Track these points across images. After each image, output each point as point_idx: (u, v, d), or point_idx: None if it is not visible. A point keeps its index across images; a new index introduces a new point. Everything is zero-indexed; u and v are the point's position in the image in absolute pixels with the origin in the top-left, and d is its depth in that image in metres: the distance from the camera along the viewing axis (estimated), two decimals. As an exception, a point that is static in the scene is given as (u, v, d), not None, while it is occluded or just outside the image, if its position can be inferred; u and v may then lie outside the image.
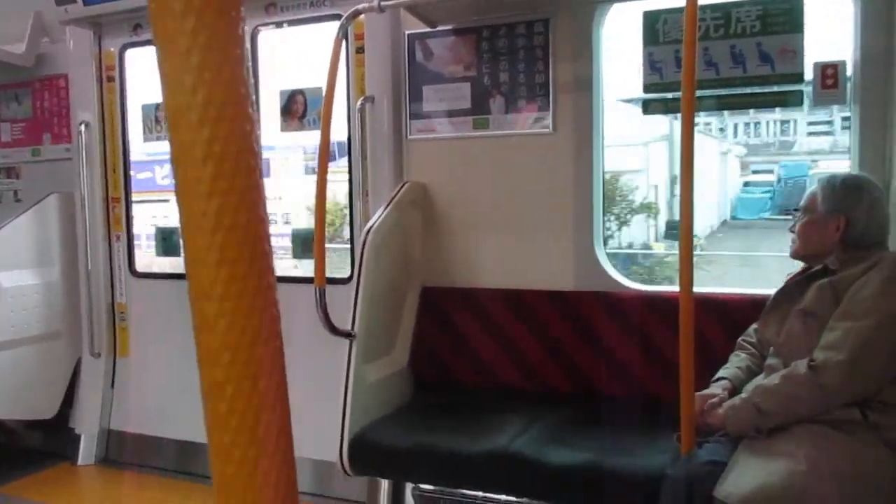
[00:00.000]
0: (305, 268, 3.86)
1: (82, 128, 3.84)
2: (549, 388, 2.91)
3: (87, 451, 3.88)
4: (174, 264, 3.97)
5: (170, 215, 4.22)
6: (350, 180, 3.33)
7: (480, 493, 2.62)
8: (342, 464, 2.61)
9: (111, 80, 3.92)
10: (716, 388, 2.15)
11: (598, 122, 3.00)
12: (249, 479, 0.53)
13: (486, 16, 3.06)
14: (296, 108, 3.46)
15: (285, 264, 4.06)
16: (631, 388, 2.76)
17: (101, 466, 3.87)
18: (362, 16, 2.97)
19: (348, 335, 2.67)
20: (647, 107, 2.89)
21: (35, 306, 3.76)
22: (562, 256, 2.98)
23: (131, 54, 3.90)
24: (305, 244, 3.50)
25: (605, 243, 3.07)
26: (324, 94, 2.70)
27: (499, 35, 3.08)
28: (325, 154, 2.66)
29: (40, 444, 4.08)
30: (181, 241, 0.54)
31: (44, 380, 3.83)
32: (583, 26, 2.96)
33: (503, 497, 2.62)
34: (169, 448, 3.80)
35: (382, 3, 2.70)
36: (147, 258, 4.11)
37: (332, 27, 3.36)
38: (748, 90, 2.80)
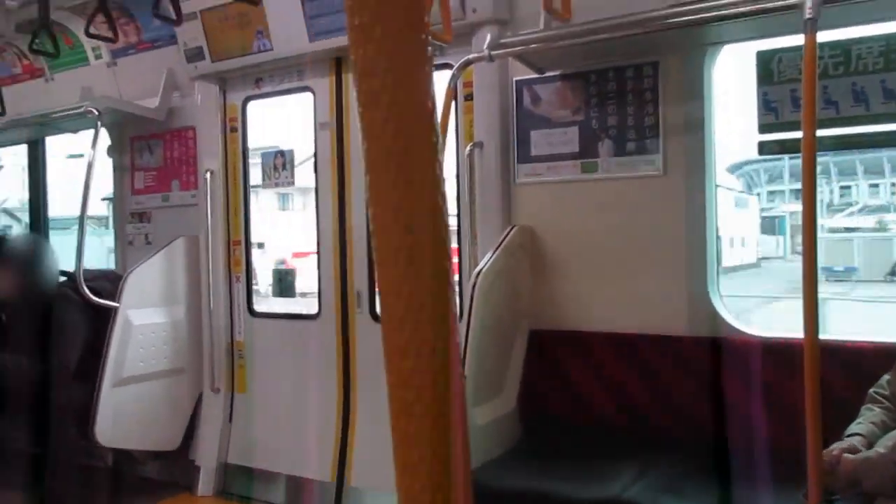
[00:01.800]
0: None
1: (207, 175, 4.10)
2: (659, 434, 2.84)
3: (205, 482, 4.06)
4: (289, 305, 4.14)
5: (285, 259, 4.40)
6: (458, 225, 3.39)
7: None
8: None
9: (234, 130, 4.17)
10: (852, 443, 2.03)
11: (710, 164, 2.95)
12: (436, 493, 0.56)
13: (593, 61, 3.09)
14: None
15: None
16: (748, 438, 2.65)
17: (218, 498, 4.03)
18: (472, 65, 3.06)
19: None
20: (763, 148, 2.83)
21: (162, 343, 4.00)
22: (673, 300, 2.92)
23: (252, 106, 4.15)
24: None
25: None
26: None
27: (607, 79, 3.10)
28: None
29: (163, 474, 4.30)
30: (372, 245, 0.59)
31: (168, 413, 4.05)
32: (693, 68, 2.93)
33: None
34: (280, 482, 3.92)
35: (492, 53, 2.78)
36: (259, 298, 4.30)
37: (441, 76, 3.52)
38: (871, 128, 2.69)
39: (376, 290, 2.43)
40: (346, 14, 0.55)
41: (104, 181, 4.84)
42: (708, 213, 2.92)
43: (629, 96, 3.07)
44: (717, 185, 3.01)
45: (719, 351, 2.76)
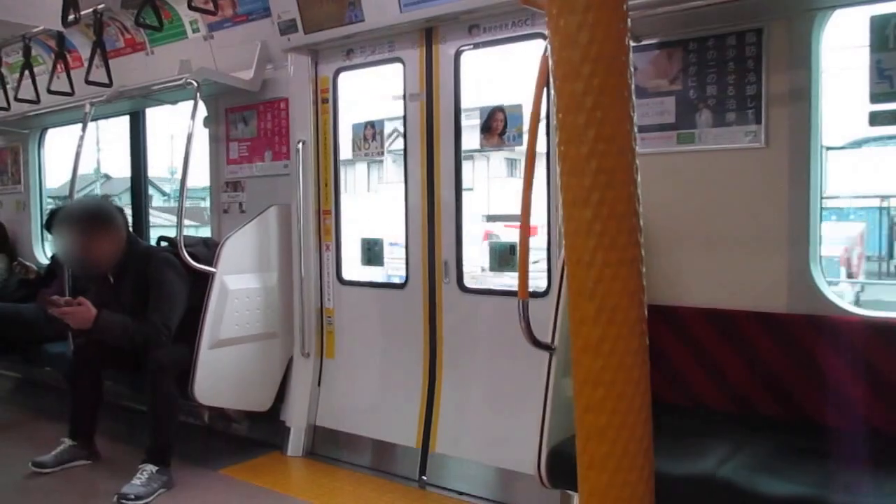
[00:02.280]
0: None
1: (299, 146, 4.20)
2: (755, 413, 2.77)
3: (295, 443, 4.21)
4: (376, 274, 4.22)
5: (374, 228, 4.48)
6: (548, 194, 3.37)
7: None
8: (540, 476, 2.64)
9: (325, 101, 4.25)
10: None
11: (816, 135, 2.83)
12: (620, 459, 0.58)
13: (693, 28, 3.00)
14: (496, 125, 3.57)
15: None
16: (851, 419, 2.57)
17: (307, 459, 4.18)
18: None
19: (548, 348, 2.70)
20: (875, 118, 2.69)
21: (256, 308, 4.14)
22: (773, 277, 2.83)
23: (343, 78, 4.21)
24: (503, 258, 3.59)
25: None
26: (530, 110, 2.75)
27: (707, 47, 3.00)
28: (531, 168, 2.71)
29: (254, 433, 4.48)
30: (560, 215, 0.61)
31: (261, 375, 4.21)
32: (800, 34, 2.80)
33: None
34: (366, 446, 4.03)
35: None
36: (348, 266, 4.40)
37: (532, 45, 3.49)
38: None
39: (561, 262, 2.39)
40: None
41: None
42: (812, 188, 2.81)
43: (730, 65, 2.96)
44: (823, 156, 2.88)
45: (820, 329, 2.67)
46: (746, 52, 2.92)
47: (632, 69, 0.55)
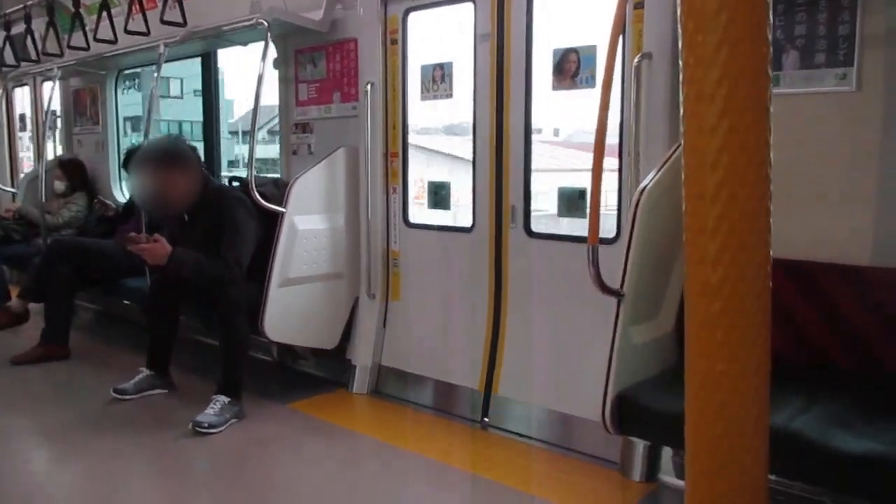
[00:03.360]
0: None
1: (368, 87, 4.18)
2: (829, 365, 2.69)
3: (360, 381, 4.31)
4: (443, 217, 4.21)
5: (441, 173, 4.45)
6: (620, 140, 3.29)
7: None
8: (604, 422, 2.63)
9: (394, 42, 4.20)
10: None
11: (915, 80, 2.66)
12: (736, 409, 0.57)
13: (783, -37, 2.83)
14: (568, 67, 3.47)
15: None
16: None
17: (371, 396, 4.28)
18: (646, -31, 2.88)
19: (617, 294, 2.67)
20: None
21: (323, 248, 4.21)
22: (860, 229, 2.70)
23: (413, 18, 4.15)
24: (571, 202, 3.53)
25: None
26: (606, 50, 2.66)
27: (797, -16, 2.83)
28: (605, 112, 2.64)
29: (321, 370, 4.61)
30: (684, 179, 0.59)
31: (328, 314, 4.30)
32: (903, -31, 2.62)
33: (773, 478, 2.49)
34: (429, 386, 4.10)
35: (672, -45, 2.60)
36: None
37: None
38: None
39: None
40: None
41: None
42: (907, 136, 2.65)
43: (821, 2, 2.79)
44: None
45: (906, 284, 2.56)
46: (841, -12, 2.74)
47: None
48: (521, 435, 3.65)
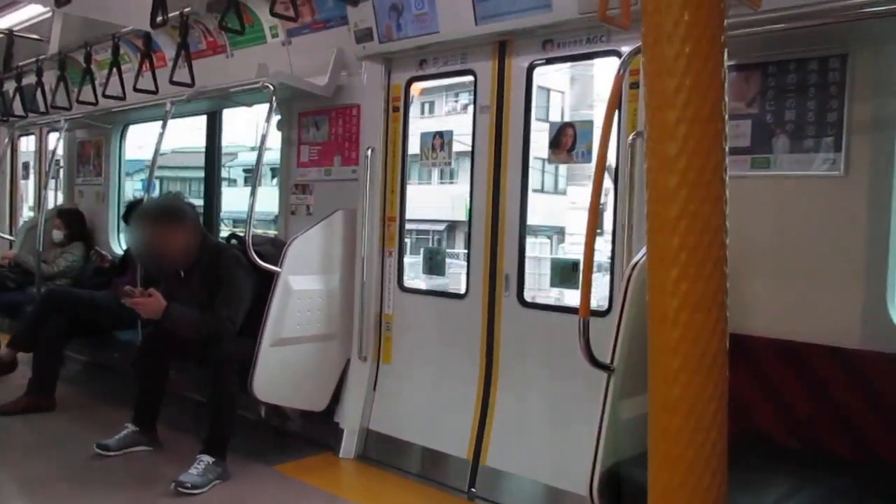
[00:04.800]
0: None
1: (369, 152, 4.26)
2: (821, 450, 2.68)
3: (347, 445, 4.26)
4: (437, 283, 4.24)
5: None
6: (615, 212, 3.34)
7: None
8: (591, 496, 2.60)
9: (396, 110, 4.31)
10: None
11: (899, 166, 2.73)
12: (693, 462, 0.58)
13: (774, 51, 2.93)
14: (565, 141, 3.55)
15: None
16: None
17: (358, 461, 4.22)
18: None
19: (607, 368, 2.67)
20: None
21: (317, 309, 4.22)
22: (846, 311, 2.73)
23: (415, 87, 4.26)
24: (564, 273, 3.57)
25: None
26: (601, 127, 2.73)
27: (787, 71, 2.93)
28: (599, 186, 2.70)
29: (308, 432, 4.55)
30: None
31: (318, 376, 4.28)
32: (889, 62, 2.71)
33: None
34: (418, 453, 4.05)
35: (667, 41, 2.69)
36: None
37: (606, 63, 3.47)
38: None
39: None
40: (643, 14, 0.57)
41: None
42: (893, 219, 2.70)
43: (811, 90, 2.88)
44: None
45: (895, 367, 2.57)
46: (829, 77, 2.84)
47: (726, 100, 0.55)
48: (508, 507, 3.59)
